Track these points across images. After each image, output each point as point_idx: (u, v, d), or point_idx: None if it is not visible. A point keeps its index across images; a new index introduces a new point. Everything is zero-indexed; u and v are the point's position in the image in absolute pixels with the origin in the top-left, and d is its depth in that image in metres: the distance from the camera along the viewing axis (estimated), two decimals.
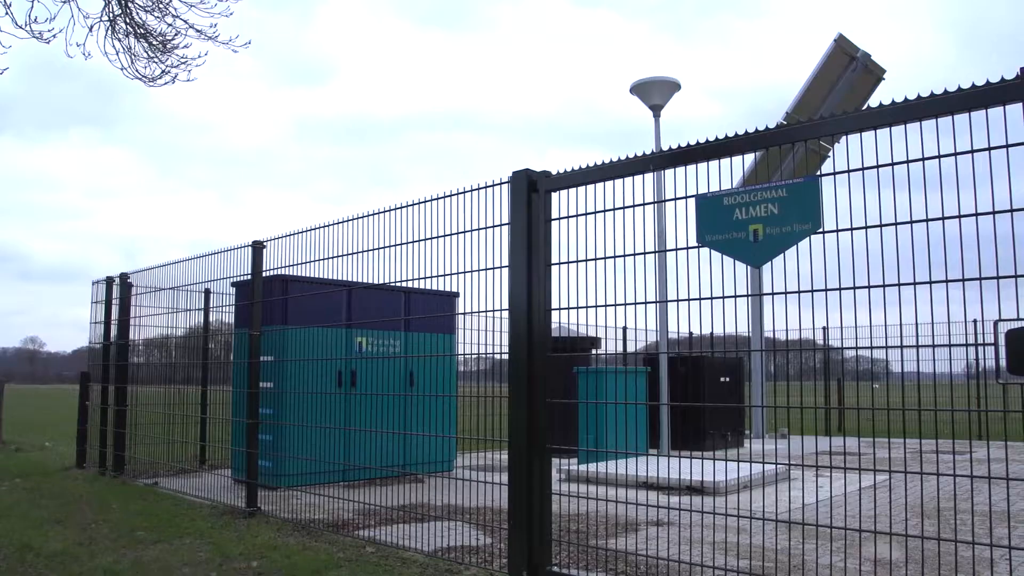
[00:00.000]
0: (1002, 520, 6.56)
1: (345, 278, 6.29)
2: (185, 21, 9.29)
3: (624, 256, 4.35)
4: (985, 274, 3.19)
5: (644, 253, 4.31)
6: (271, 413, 7.93)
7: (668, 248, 4.27)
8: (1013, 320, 3.14)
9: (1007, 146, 3.18)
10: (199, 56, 9.67)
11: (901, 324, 3.43)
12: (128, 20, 9.14)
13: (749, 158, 4.22)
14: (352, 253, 6.11)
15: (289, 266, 6.86)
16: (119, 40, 9.18)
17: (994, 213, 3.19)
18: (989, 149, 3.24)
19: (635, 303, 4.33)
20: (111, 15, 9.06)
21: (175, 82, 9.66)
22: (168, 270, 8.80)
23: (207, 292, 9.41)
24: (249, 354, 7.20)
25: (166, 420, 9.26)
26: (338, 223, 6.28)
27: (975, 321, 3.52)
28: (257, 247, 7.25)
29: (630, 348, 14.46)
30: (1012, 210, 3.14)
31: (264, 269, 7.28)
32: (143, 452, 9.63)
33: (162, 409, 9.29)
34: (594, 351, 12.39)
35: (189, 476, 9.06)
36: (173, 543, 5.86)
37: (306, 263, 6.60)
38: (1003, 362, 3.21)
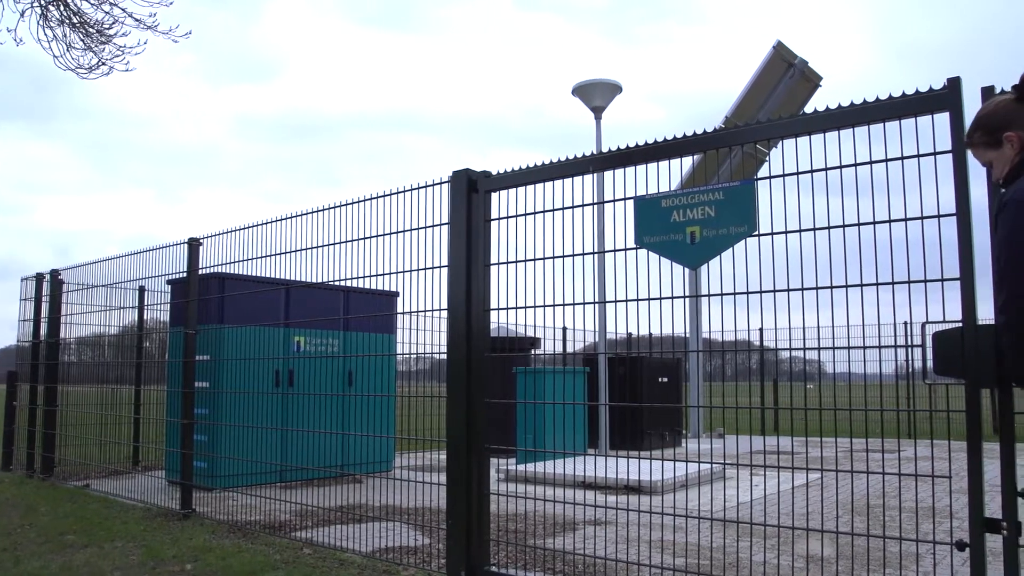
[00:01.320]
0: (927, 516, 6.74)
1: (284, 277, 6.22)
2: (123, 9, 9.09)
3: (563, 257, 4.37)
4: (914, 277, 3.27)
5: (583, 254, 4.34)
6: (206, 413, 7.81)
7: (607, 249, 4.30)
8: (940, 322, 3.22)
9: (935, 153, 3.27)
10: (138, 45, 9.48)
11: (834, 326, 3.50)
12: (63, 7, 8.90)
13: (688, 161, 4.28)
14: (291, 251, 6.05)
15: (226, 264, 6.76)
16: (51, 28, 8.95)
17: (922, 219, 3.28)
18: (918, 156, 3.33)
19: (574, 303, 4.36)
20: (43, 1, 8.82)
21: (112, 73, 9.45)
22: (102, 267, 8.62)
23: (141, 290, 9.24)
24: (184, 353, 7.08)
25: (98, 420, 9.06)
26: (277, 221, 6.21)
27: (905, 323, 3.61)
28: (193, 244, 7.13)
29: (569, 348, 14.54)
30: (939, 216, 3.22)
31: (200, 267, 7.17)
32: (74, 453, 9.40)
33: (94, 409, 9.09)
34: (533, 351, 12.43)
35: (122, 478, 8.87)
36: (104, 547, 5.73)
37: (244, 261, 6.51)
38: (930, 363, 3.29)
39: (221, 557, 5.34)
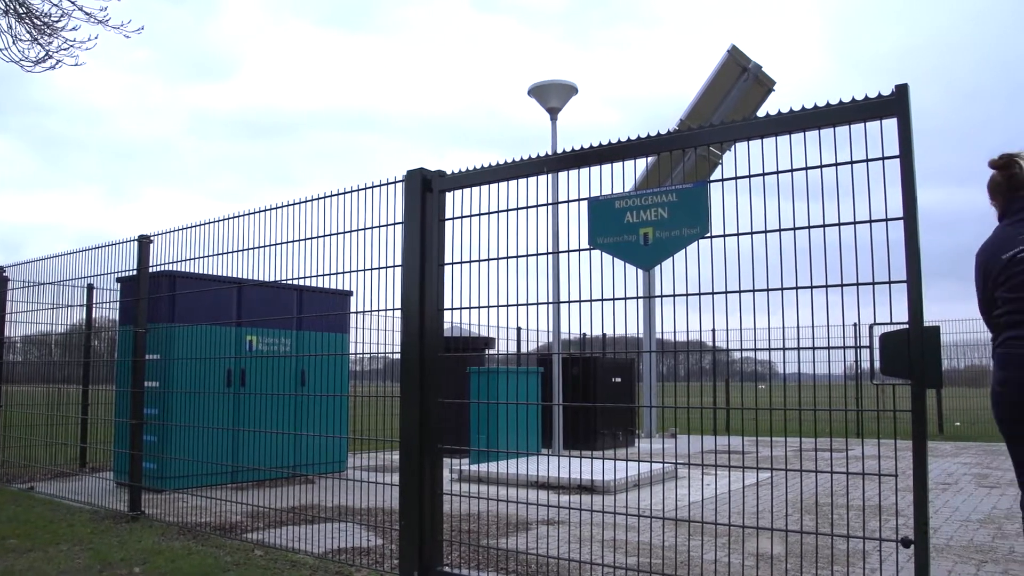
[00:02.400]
0: (875, 514, 6.86)
1: (236, 275, 6.15)
2: (72, 2, 8.92)
3: (517, 257, 4.37)
4: (863, 280, 3.32)
5: (537, 254, 4.35)
6: (156, 413, 7.69)
7: (561, 250, 4.31)
8: (887, 324, 3.28)
9: (883, 158, 3.32)
10: (88, 39, 9.29)
11: (784, 327, 3.55)
12: None
13: (642, 164, 4.30)
14: (244, 249, 5.98)
15: (178, 262, 6.67)
16: None
17: (871, 222, 3.33)
18: (867, 161, 3.38)
19: (527, 304, 4.37)
20: None
21: (59, 67, 9.27)
22: (49, 264, 8.44)
23: (90, 287, 9.08)
24: (134, 352, 6.97)
25: (45, 421, 8.89)
26: (229, 219, 6.14)
27: (855, 325, 3.67)
28: (143, 241, 7.02)
29: (524, 348, 14.57)
30: (887, 219, 3.28)
31: (151, 265, 7.05)
32: (18, 455, 9.21)
33: (40, 409, 8.91)
34: (487, 351, 12.43)
35: (68, 480, 8.71)
36: (48, 550, 5.62)
37: (196, 259, 6.43)
38: (877, 364, 3.35)
39: (170, 559, 5.27)
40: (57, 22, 8.99)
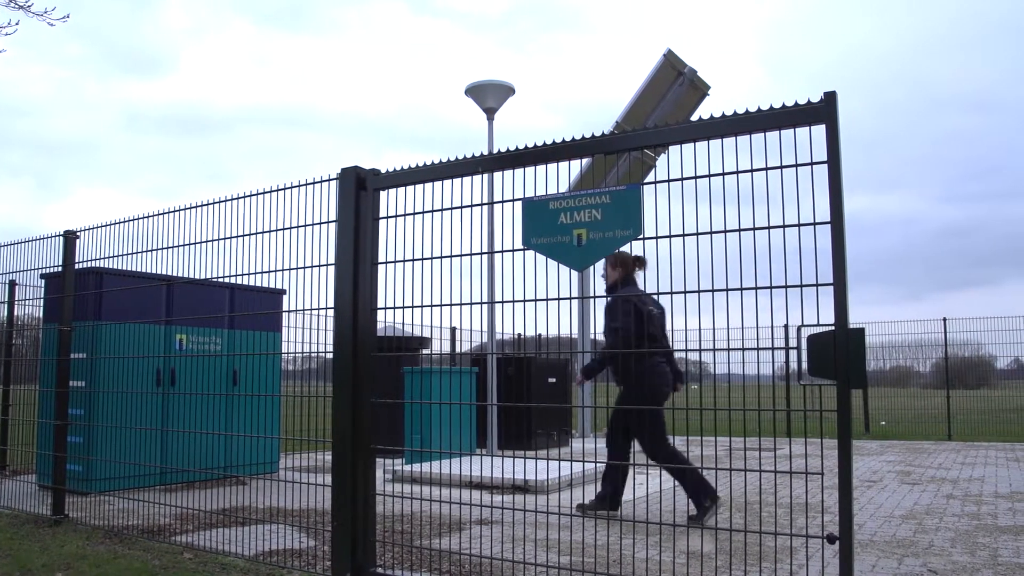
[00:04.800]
0: (802, 511, 6.99)
1: (166, 272, 6.03)
2: None
3: (452, 257, 4.36)
4: (791, 282, 3.38)
5: (471, 254, 4.34)
6: (82, 414, 7.50)
7: (495, 250, 4.32)
8: (814, 325, 3.34)
9: (811, 164, 3.38)
10: (8, 24, 9.02)
11: (715, 329, 3.60)
12: None
13: (577, 166, 4.33)
14: (174, 246, 5.86)
15: (106, 258, 6.50)
16: None
17: (799, 226, 3.39)
18: (796, 166, 3.44)
19: (461, 303, 4.36)
20: None
21: None
22: None
23: (12, 284, 8.83)
24: (58, 351, 6.79)
25: None
26: (159, 214, 6.00)
27: (784, 326, 3.74)
28: (69, 237, 6.84)
29: (458, 348, 14.54)
30: (815, 223, 3.34)
31: (78, 261, 6.87)
32: None
33: None
34: (422, 351, 12.38)
35: None
36: None
37: (124, 256, 6.28)
38: (805, 365, 3.41)
39: (95, 564, 5.15)
40: None
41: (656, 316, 6.56)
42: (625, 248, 4.18)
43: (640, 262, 6.55)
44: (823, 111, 3.37)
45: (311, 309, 4.94)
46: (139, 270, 6.35)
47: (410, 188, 4.59)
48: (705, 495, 6.40)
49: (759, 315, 3.48)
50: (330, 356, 4.76)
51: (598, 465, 8.44)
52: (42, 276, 7.95)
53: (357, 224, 4.64)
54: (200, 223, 5.67)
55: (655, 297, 6.24)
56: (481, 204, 4.47)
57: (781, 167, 3.47)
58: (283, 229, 5.13)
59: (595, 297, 3.97)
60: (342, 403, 4.56)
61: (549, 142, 4.14)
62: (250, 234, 5.34)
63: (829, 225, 3.30)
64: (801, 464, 3.48)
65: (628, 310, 6.18)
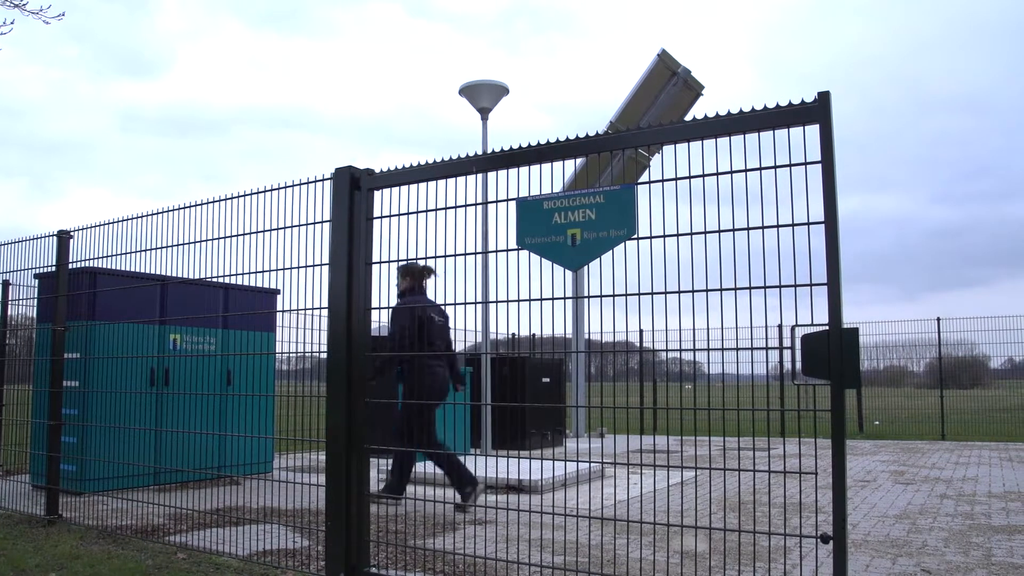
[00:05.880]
0: (796, 511, 7.01)
1: (160, 272, 6.01)
2: None
3: (446, 256, 4.36)
4: (785, 282, 3.38)
5: (466, 254, 4.34)
6: (76, 414, 7.48)
7: (490, 250, 4.31)
8: (808, 325, 3.34)
9: (805, 163, 3.39)
10: (4, 23, 8.98)
11: (709, 328, 3.61)
12: None
13: (572, 166, 4.32)
14: (169, 246, 5.84)
15: (99, 258, 6.49)
16: None
17: (793, 226, 3.40)
18: (790, 166, 3.44)
19: (456, 303, 4.36)
20: None
21: None
22: None
23: (6, 284, 8.80)
24: (52, 351, 6.77)
25: None
26: (154, 214, 5.98)
27: (778, 326, 3.74)
28: (63, 237, 6.81)
29: (454, 348, 14.51)
30: (808, 223, 3.35)
31: (72, 261, 6.85)
32: None
33: None
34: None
35: None
36: None
37: (118, 255, 6.26)
38: (799, 365, 3.42)
39: (89, 564, 5.13)
40: None
41: (438, 324, 7.26)
42: (619, 247, 4.19)
43: (429, 271, 7.19)
44: (817, 111, 3.37)
45: (305, 309, 4.93)
46: (133, 270, 6.33)
47: (404, 188, 4.59)
48: (467, 482, 6.97)
49: (753, 315, 3.49)
50: (324, 356, 4.75)
51: (592, 465, 8.45)
52: (36, 276, 7.92)
53: (351, 224, 4.64)
54: (194, 223, 5.66)
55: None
56: (475, 204, 4.47)
57: (775, 167, 3.48)
58: (277, 229, 5.12)
59: (589, 297, 3.96)
60: (336, 403, 4.55)
61: (543, 142, 4.14)
62: (244, 234, 5.32)
63: (823, 225, 3.30)
64: (795, 464, 3.49)
65: (411, 316, 6.85)
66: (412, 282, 7.35)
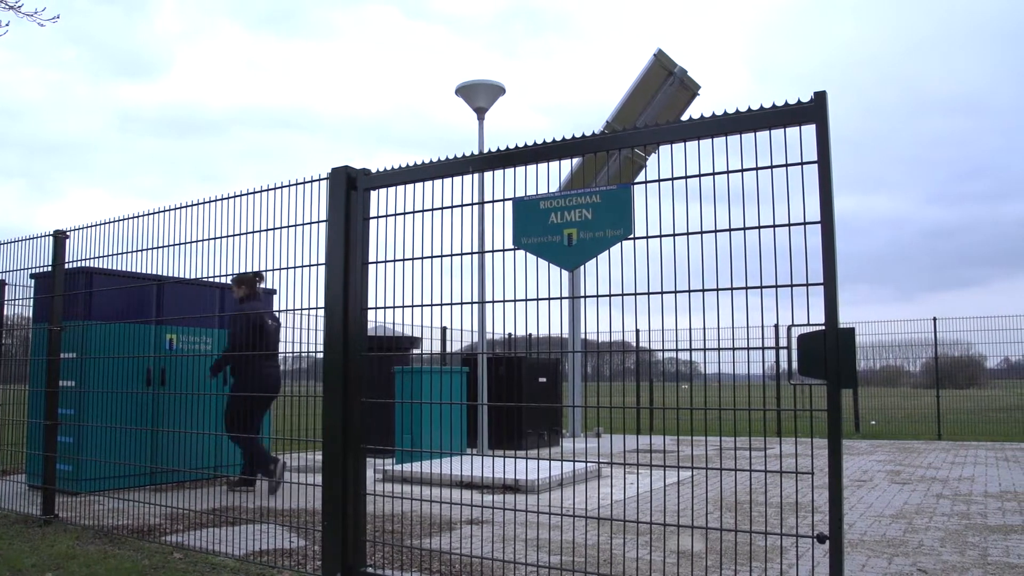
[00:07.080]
0: (792, 511, 7.01)
1: (157, 272, 6.00)
2: None
3: (443, 256, 4.36)
4: (782, 282, 3.38)
5: (462, 254, 4.34)
6: (72, 413, 7.47)
7: (486, 250, 4.31)
8: (804, 325, 3.35)
9: (802, 163, 3.39)
10: (0, 25, 8.95)
11: (705, 328, 3.60)
12: None
13: (568, 166, 4.32)
14: (165, 246, 5.84)
15: (96, 258, 6.47)
16: None
17: (789, 225, 3.40)
18: (787, 165, 3.45)
19: (452, 303, 4.36)
20: None
21: None
22: None
23: (2, 284, 8.77)
24: (48, 351, 6.76)
25: None
26: (150, 214, 5.98)
27: (775, 326, 3.74)
28: (59, 237, 6.80)
29: (449, 348, 14.53)
30: (804, 223, 3.35)
31: (68, 260, 6.84)
32: None
33: None
34: (412, 351, 12.37)
35: None
36: None
37: (114, 255, 6.25)
38: (795, 365, 3.42)
39: (85, 564, 5.13)
40: None
41: (272, 328, 7.92)
42: (616, 247, 4.19)
43: (260, 277, 7.75)
44: (813, 111, 3.37)
45: (301, 309, 4.93)
46: (129, 270, 6.33)
47: (400, 188, 4.59)
48: (269, 463, 7.70)
49: (749, 315, 3.49)
50: (320, 356, 4.75)
51: (589, 465, 8.45)
52: (32, 276, 7.91)
53: (347, 224, 4.64)
54: (190, 223, 5.65)
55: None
56: (472, 204, 4.47)
57: (771, 167, 3.48)
58: (273, 229, 5.12)
59: (585, 297, 3.96)
60: (332, 403, 4.55)
61: (540, 142, 4.14)
62: (240, 234, 5.32)
63: (819, 225, 3.31)
64: (791, 464, 3.49)
65: (246, 322, 7.52)
66: (248, 290, 7.96)
